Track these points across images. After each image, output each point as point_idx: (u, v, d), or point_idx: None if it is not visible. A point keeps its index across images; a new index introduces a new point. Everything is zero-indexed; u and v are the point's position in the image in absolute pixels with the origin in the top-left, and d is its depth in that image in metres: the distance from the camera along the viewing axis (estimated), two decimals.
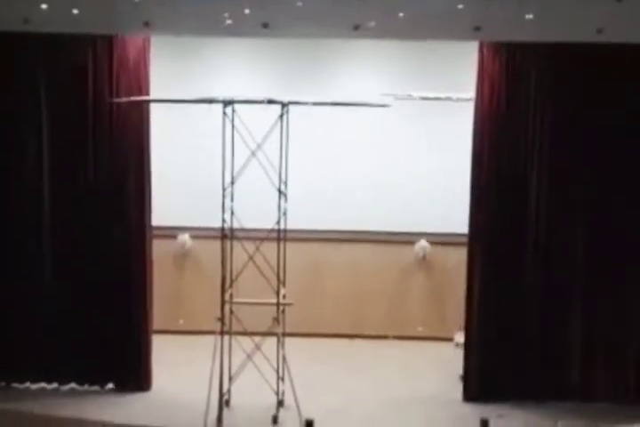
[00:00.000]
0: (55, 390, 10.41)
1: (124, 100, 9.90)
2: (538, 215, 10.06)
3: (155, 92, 10.20)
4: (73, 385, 10.43)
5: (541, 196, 10.04)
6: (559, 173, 9.99)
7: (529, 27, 8.93)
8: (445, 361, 11.41)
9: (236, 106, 9.36)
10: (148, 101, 10.10)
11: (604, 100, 9.83)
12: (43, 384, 10.43)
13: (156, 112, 10.92)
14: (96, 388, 10.41)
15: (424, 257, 12.46)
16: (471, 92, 10.41)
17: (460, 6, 8.86)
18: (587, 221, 10.06)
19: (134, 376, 10.39)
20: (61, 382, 10.43)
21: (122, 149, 10.13)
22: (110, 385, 10.42)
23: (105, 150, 10.17)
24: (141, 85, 10.05)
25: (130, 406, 10.03)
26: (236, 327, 9.63)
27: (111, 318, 10.27)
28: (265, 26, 9.06)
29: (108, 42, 9.96)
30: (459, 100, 10.63)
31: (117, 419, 9.24)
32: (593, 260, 10.09)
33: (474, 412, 9.91)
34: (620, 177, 9.99)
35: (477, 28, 8.94)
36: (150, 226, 10.32)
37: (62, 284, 10.29)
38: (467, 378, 10.32)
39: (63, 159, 10.19)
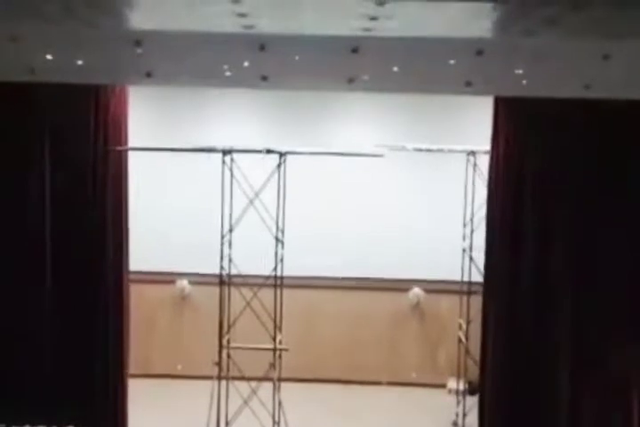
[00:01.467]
0: None
1: (125, 148, 10.00)
2: (548, 263, 10.07)
3: (152, 140, 10.31)
4: None
5: (558, 244, 10.06)
6: (579, 223, 10.02)
7: (518, 82, 9.06)
8: (438, 407, 11.43)
9: (235, 155, 9.45)
10: (149, 150, 10.22)
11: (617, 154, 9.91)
12: None
13: (155, 160, 11.09)
14: None
15: (417, 304, 12.50)
16: (463, 144, 10.59)
17: (452, 62, 9.00)
18: (590, 265, 10.08)
19: (109, 420, 10.33)
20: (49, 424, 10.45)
21: (102, 197, 10.20)
22: None
23: (91, 198, 10.24)
24: (122, 134, 10.16)
25: None
26: (233, 372, 9.65)
27: (88, 363, 10.26)
28: (264, 78, 9.20)
29: (96, 92, 10.06)
30: (450, 151, 10.75)
31: None
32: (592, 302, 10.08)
33: None
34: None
35: (469, 84, 9.07)
36: (127, 272, 10.37)
37: (43, 328, 10.30)
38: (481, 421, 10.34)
39: (63, 208, 10.27)
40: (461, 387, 10.97)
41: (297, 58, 8.97)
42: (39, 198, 10.27)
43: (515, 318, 10.08)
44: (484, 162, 10.56)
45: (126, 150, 10.07)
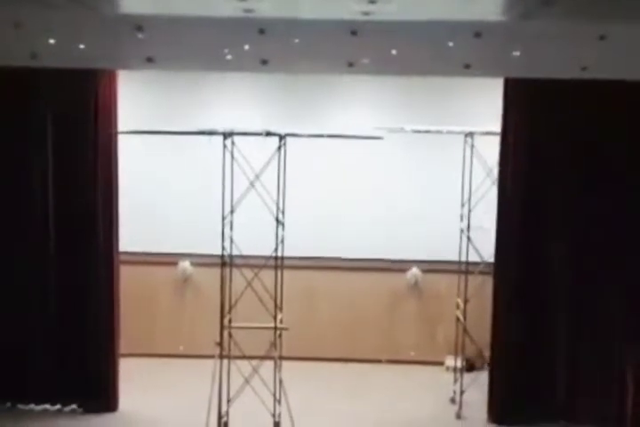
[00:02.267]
0: (58, 411, 10.48)
1: (126, 131, 9.97)
2: (557, 245, 10.10)
3: (153, 124, 10.31)
4: (74, 406, 10.53)
5: (565, 227, 10.07)
6: (584, 206, 10.01)
7: (516, 64, 9.07)
8: (436, 384, 11.47)
9: (235, 138, 9.44)
10: (151, 133, 10.17)
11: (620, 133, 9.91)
12: (46, 406, 10.47)
13: (158, 143, 11.08)
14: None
15: (416, 284, 12.52)
16: (461, 126, 10.59)
17: (451, 44, 9.01)
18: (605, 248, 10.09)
19: (101, 398, 10.43)
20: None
21: (93, 180, 10.24)
22: (75, 406, 10.52)
23: (81, 182, 10.28)
24: (112, 117, 10.17)
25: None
26: (234, 351, 9.67)
27: (81, 341, 10.36)
28: (264, 62, 9.20)
29: (87, 75, 10.03)
30: (449, 133, 10.74)
31: None
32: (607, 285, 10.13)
33: None
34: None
35: (467, 66, 9.08)
36: (117, 253, 10.41)
37: (34, 308, 10.36)
38: (490, 401, 10.38)
39: (58, 191, 10.30)
40: (459, 364, 10.99)
41: (297, 41, 8.98)
42: (37, 183, 10.29)
43: (524, 300, 10.14)
44: (481, 143, 10.60)
45: (116, 133, 10.10)
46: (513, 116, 9.98)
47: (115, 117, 10.21)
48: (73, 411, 10.47)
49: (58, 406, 10.51)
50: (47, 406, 10.51)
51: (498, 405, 10.30)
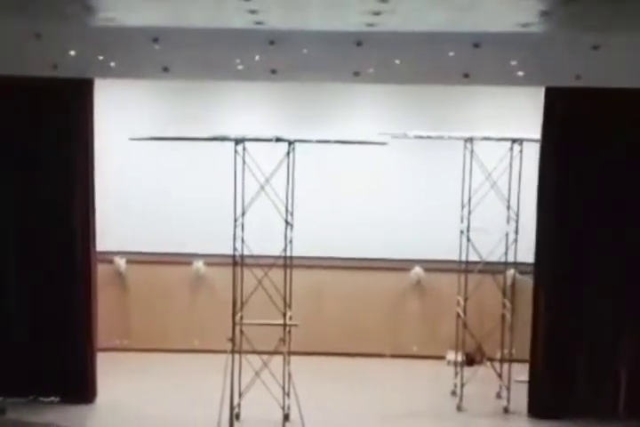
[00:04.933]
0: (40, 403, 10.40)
1: (141, 137, 9.96)
2: (599, 250, 10.06)
3: (171, 129, 10.33)
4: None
5: (604, 230, 10.01)
6: (622, 211, 9.95)
7: (514, 73, 9.08)
8: (438, 378, 11.46)
9: (246, 143, 9.44)
10: (165, 140, 10.18)
11: None
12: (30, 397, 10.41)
13: (170, 149, 11.10)
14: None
15: (418, 282, 12.52)
16: (462, 131, 10.58)
17: (451, 54, 9.02)
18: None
19: (80, 389, 10.37)
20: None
21: (71, 184, 10.21)
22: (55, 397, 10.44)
23: (60, 186, 10.21)
24: (88, 125, 10.12)
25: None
26: (245, 347, 9.67)
27: (60, 335, 10.30)
28: (273, 72, 9.23)
29: (65, 85, 9.89)
30: (450, 138, 10.73)
31: None
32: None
33: (466, 425, 9.98)
34: None
35: (466, 75, 9.09)
36: (95, 253, 10.38)
37: (15, 302, 10.35)
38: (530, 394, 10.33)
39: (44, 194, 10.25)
40: (459, 359, 10.97)
41: (305, 52, 9.01)
42: (19, 185, 10.24)
43: (563, 300, 10.08)
44: (480, 148, 10.58)
45: (92, 139, 10.08)
46: (552, 124, 9.87)
47: (91, 125, 10.12)
48: (52, 402, 10.39)
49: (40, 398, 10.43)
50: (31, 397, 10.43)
51: (539, 400, 10.24)
